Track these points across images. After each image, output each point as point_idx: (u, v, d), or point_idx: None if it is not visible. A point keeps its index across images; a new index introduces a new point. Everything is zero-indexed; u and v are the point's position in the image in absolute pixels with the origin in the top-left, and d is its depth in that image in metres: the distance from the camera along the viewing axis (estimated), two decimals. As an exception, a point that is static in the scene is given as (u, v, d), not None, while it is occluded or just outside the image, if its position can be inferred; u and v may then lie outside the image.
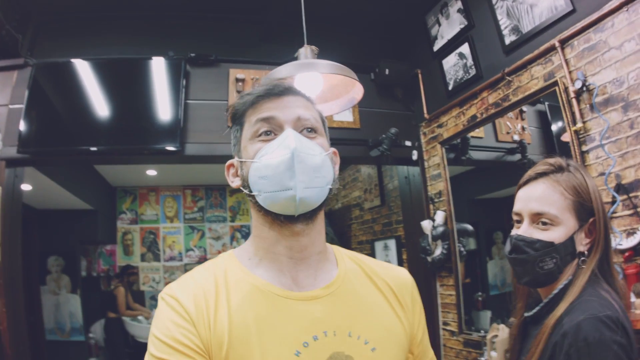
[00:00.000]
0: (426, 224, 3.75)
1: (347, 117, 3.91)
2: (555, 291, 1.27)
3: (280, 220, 0.96)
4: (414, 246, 3.97)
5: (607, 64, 2.35)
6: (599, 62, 2.40)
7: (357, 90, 2.33)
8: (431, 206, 3.86)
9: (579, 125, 2.49)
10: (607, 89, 2.36)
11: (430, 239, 3.70)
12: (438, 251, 3.62)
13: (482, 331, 3.29)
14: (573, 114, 2.54)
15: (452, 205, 3.61)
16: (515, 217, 1.38)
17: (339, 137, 3.80)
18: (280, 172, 0.93)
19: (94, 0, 3.64)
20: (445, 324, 3.67)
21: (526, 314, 1.38)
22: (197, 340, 0.87)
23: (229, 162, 1.08)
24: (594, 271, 1.25)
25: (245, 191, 1.00)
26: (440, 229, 3.59)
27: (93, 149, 3.39)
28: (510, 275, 1.53)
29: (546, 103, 3.00)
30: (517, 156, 3.24)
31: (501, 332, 2.97)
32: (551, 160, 1.36)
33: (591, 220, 1.30)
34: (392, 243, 4.63)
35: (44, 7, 3.62)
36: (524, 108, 3.13)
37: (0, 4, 3.20)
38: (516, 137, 3.23)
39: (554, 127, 2.90)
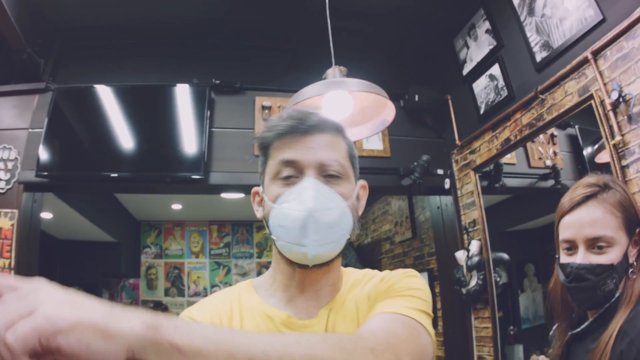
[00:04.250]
0: (460, 255, 3.60)
1: (376, 145, 3.84)
2: (607, 305, 1.27)
3: (295, 266, 0.98)
4: (447, 279, 3.81)
5: (642, 72, 2.23)
6: (634, 70, 2.28)
7: (388, 112, 2.25)
8: (465, 236, 3.71)
9: (618, 138, 2.35)
10: (644, 97, 2.23)
11: (465, 270, 3.53)
12: (473, 282, 3.46)
13: (519, 365, 3.09)
14: (611, 127, 2.41)
15: (487, 233, 3.46)
16: (565, 245, 1.35)
17: (369, 166, 3.72)
18: (295, 228, 0.92)
19: (117, 27, 3.71)
20: (480, 358, 3.45)
21: (571, 332, 1.37)
22: None
23: (255, 189, 1.07)
24: None
25: (267, 229, 1.00)
26: (476, 259, 3.44)
27: (114, 175, 3.37)
28: (547, 303, 1.53)
29: (576, 126, 2.92)
30: (550, 182, 3.13)
31: (541, 364, 2.78)
32: (593, 180, 1.35)
33: (638, 230, 1.31)
34: (424, 277, 4.46)
35: (68, 32, 3.72)
36: (555, 132, 3.06)
37: (22, 28, 3.28)
38: (549, 162, 3.15)
39: (585, 152, 2.83)
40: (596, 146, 2.68)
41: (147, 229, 7.51)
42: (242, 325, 0.96)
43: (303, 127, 0.97)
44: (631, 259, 1.29)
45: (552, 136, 3.11)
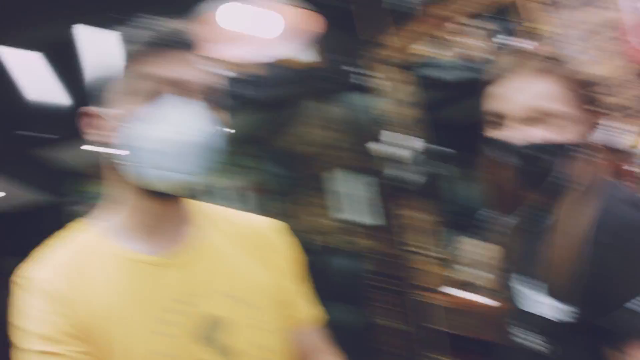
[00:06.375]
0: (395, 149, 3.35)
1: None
2: (556, 189, 1.11)
3: (146, 193, 0.87)
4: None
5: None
6: None
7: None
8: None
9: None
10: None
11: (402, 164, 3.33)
12: (412, 176, 3.28)
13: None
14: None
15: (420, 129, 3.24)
16: (494, 119, 1.17)
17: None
18: (160, 150, 0.80)
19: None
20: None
21: (518, 223, 1.25)
22: (67, 325, 0.81)
23: (85, 108, 0.91)
24: None
25: (106, 152, 0.88)
26: (409, 153, 3.25)
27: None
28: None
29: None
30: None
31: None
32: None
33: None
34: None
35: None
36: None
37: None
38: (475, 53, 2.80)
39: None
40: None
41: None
42: (91, 276, 0.86)
43: (171, 39, 0.84)
44: (579, 137, 1.10)
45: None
